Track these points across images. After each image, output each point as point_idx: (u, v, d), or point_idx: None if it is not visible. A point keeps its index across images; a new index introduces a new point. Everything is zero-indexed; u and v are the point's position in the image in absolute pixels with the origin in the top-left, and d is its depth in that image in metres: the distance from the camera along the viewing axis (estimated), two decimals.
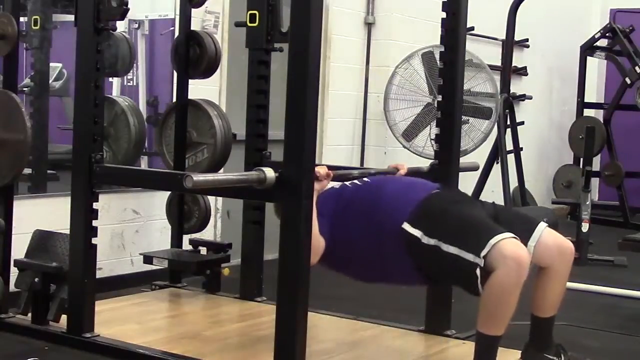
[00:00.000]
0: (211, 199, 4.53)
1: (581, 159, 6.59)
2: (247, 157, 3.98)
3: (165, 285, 4.23)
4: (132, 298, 4.04)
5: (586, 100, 8.15)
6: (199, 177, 2.67)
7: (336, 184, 3.13)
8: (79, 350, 3.25)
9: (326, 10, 5.53)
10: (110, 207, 4.38)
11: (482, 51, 6.08)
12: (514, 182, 6.67)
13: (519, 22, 6.69)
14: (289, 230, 2.70)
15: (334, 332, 3.62)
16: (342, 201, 3.03)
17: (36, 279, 3.38)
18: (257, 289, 4.03)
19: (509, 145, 6.56)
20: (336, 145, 5.93)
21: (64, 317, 3.35)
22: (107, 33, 3.34)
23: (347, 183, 3.13)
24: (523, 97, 7.59)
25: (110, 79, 4.60)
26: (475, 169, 4.25)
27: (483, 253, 2.65)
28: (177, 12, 4.34)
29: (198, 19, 4.65)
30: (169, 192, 4.31)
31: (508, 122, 6.57)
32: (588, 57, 7.99)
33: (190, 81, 4.22)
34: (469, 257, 2.68)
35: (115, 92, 4.71)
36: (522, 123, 6.83)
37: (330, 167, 3.05)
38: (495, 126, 5.99)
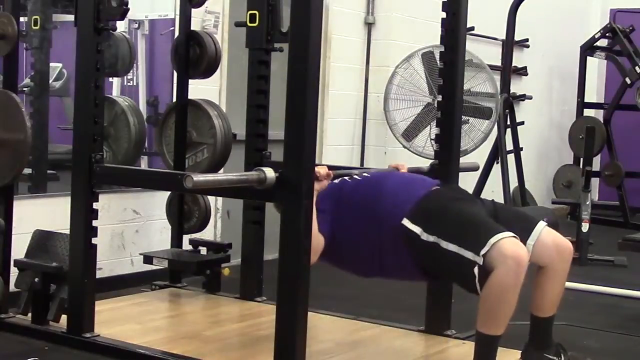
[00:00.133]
0: (211, 199, 4.53)
1: (581, 159, 6.58)
2: (247, 157, 3.98)
3: (165, 285, 4.23)
4: (132, 298, 4.04)
5: (586, 100, 8.15)
6: (199, 177, 2.67)
7: (336, 180, 3.12)
8: (79, 350, 3.25)
9: (326, 10, 5.53)
10: (110, 207, 4.39)
11: (482, 51, 6.08)
12: (514, 182, 6.67)
13: (519, 22, 6.69)
14: (289, 230, 2.70)
15: (334, 332, 3.62)
16: (342, 197, 3.02)
17: (36, 279, 3.38)
18: (257, 289, 4.03)
19: (509, 145, 6.57)
20: (336, 145, 5.93)
21: (64, 317, 3.35)
22: (107, 33, 3.34)
23: (346, 178, 3.12)
24: (523, 97, 7.59)
25: (110, 79, 4.61)
26: (475, 169, 4.25)
27: (482, 252, 2.65)
28: (177, 12, 4.34)
29: (198, 19, 4.65)
30: (169, 192, 4.31)
31: (508, 122, 6.57)
32: (588, 57, 7.99)
33: (190, 81, 4.22)
34: (468, 255, 2.68)
35: (115, 92, 4.71)
36: (522, 123, 6.83)
37: (330, 167, 3.04)
38: (495, 126, 5.99)
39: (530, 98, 7.68)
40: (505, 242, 2.66)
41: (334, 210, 2.98)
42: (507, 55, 6.79)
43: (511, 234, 2.70)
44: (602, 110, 8.21)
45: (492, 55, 6.83)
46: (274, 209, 3.14)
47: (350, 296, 4.27)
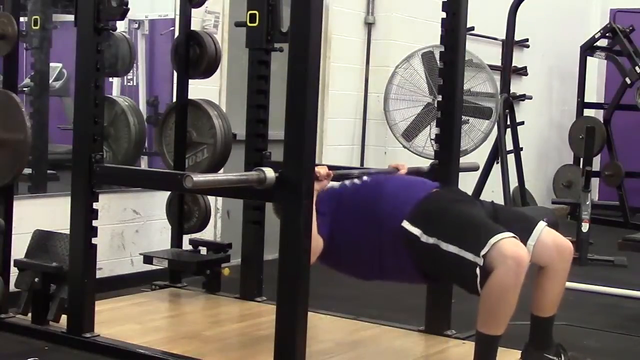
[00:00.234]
0: (211, 199, 4.53)
1: (581, 159, 6.58)
2: (247, 157, 3.98)
3: (165, 285, 4.23)
4: (132, 298, 4.03)
5: (586, 100, 8.15)
6: (199, 177, 2.68)
7: (336, 184, 3.13)
8: (79, 350, 3.25)
9: (326, 10, 5.53)
10: (110, 207, 4.38)
11: (482, 51, 6.08)
12: (514, 182, 6.67)
13: (519, 22, 6.69)
14: (289, 230, 2.70)
15: (334, 332, 3.62)
16: (343, 200, 3.03)
17: (36, 279, 3.38)
18: (257, 289, 4.03)
19: (509, 145, 6.57)
20: (336, 145, 5.93)
21: (64, 317, 3.35)
22: (107, 33, 3.34)
23: (346, 182, 3.13)
24: (523, 97, 7.59)
25: (110, 79, 4.60)
26: (475, 169, 4.25)
27: (483, 252, 2.65)
28: (177, 12, 4.34)
29: (198, 19, 4.65)
30: (169, 192, 4.31)
31: (508, 122, 6.57)
32: (588, 57, 7.99)
33: (190, 81, 4.22)
34: (469, 256, 2.68)
35: (115, 92, 4.71)
36: (522, 123, 6.83)
37: (330, 167, 3.05)
38: (495, 126, 5.99)
39: (530, 98, 7.68)
40: (505, 243, 2.66)
41: (333, 213, 2.99)
42: (507, 55, 6.78)
43: (511, 234, 2.70)
44: (602, 110, 8.21)
45: (492, 55, 6.83)
46: (274, 215, 3.16)
47: (350, 296, 4.28)
